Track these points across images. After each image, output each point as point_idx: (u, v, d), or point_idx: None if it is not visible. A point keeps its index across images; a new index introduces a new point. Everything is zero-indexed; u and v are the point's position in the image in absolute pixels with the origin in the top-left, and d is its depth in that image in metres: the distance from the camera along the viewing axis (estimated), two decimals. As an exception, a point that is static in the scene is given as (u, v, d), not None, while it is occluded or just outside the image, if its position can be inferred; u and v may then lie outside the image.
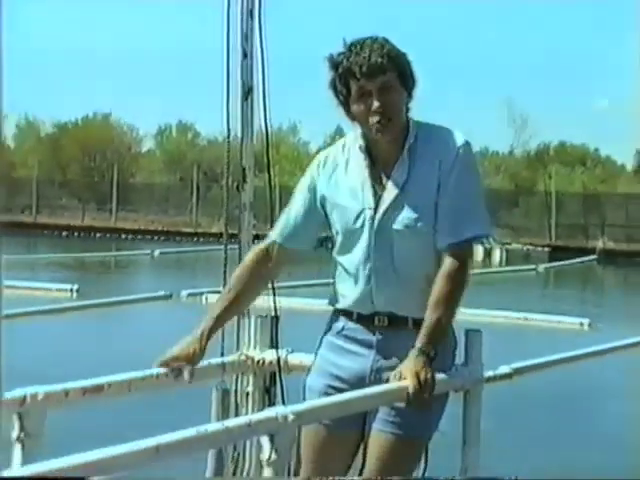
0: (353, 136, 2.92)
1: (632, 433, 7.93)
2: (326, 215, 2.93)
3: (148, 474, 2.15)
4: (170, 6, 62.02)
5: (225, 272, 3.10)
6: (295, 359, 3.14)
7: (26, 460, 2.34)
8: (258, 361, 3.14)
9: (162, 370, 2.76)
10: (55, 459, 1.89)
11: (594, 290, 25.26)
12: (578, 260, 29.04)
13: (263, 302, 3.16)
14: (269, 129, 3.25)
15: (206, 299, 11.93)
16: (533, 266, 26.54)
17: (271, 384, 3.15)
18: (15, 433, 2.40)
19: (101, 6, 67.66)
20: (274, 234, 2.97)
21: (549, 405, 8.98)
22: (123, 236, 34.94)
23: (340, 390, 2.83)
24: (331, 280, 2.98)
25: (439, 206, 2.80)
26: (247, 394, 3.14)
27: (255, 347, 3.16)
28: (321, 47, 2.86)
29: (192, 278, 18.35)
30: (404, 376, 2.70)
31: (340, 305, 2.94)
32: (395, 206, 2.83)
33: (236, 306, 2.95)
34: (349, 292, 2.90)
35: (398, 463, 2.84)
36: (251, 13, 3.15)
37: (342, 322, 2.93)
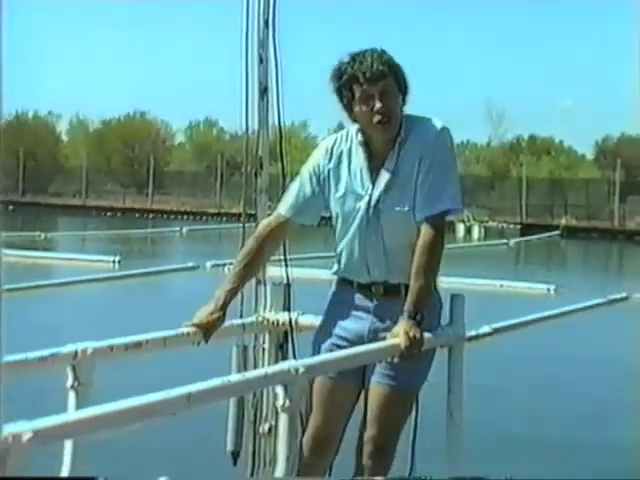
0: (355, 128, 2.90)
1: (582, 377, 8.13)
2: (328, 195, 2.92)
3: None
4: (199, 19, 61.86)
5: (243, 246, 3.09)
6: (305, 320, 3.14)
7: (79, 406, 2.34)
8: (273, 322, 3.14)
9: (191, 329, 2.75)
10: (103, 404, 1.89)
11: (558, 261, 25.21)
12: (544, 235, 28.99)
13: (277, 272, 3.15)
14: (282, 124, 3.23)
15: (228, 269, 11.88)
16: (505, 240, 26.47)
17: (284, 342, 3.14)
18: (69, 382, 2.40)
19: (146, 30, 67.28)
20: (283, 209, 2.93)
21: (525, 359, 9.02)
22: (158, 216, 34.92)
23: (343, 347, 2.83)
24: (334, 253, 2.97)
25: (417, 184, 2.79)
26: (263, 350, 3.14)
27: (270, 310, 3.15)
28: (327, 58, 2.87)
29: (216, 252, 18.32)
30: (397, 335, 2.70)
31: (342, 275, 2.94)
32: (386, 191, 2.83)
33: (250, 274, 2.92)
34: (349, 263, 2.90)
35: (394, 410, 2.85)
36: (266, 23, 3.13)
37: (344, 290, 2.93)
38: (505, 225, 32.26)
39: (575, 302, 12.02)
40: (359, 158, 2.87)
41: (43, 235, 21.50)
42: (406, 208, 2.81)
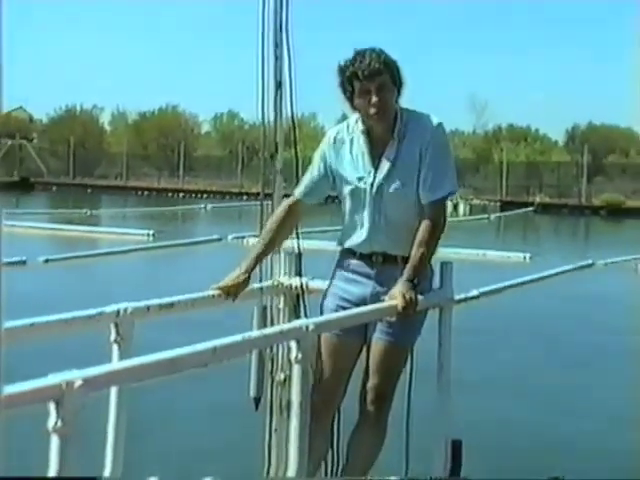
0: (354, 119, 2.90)
1: (560, 328, 8.21)
2: (334, 179, 2.92)
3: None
4: (222, 25, 61.50)
5: (262, 221, 3.08)
6: (314, 285, 3.13)
7: (121, 358, 2.34)
8: (287, 286, 3.13)
9: (217, 292, 2.76)
10: (141, 357, 1.89)
11: (533, 233, 25.12)
12: (521, 210, 28.87)
13: (290, 243, 3.15)
14: (295, 115, 3.21)
15: (247, 242, 11.94)
16: (487, 215, 26.37)
17: (297, 303, 3.14)
18: (112, 337, 2.40)
19: (172, 36, 66.91)
20: (298, 193, 2.97)
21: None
22: (187, 195, 34.91)
23: (347, 309, 2.84)
24: (339, 228, 2.98)
25: (421, 173, 2.80)
26: (279, 310, 3.13)
27: (285, 275, 3.15)
28: (334, 57, 2.85)
29: (237, 226, 18.32)
30: (394, 297, 2.70)
31: (346, 246, 2.94)
32: (388, 176, 2.83)
33: (270, 247, 2.95)
34: (353, 236, 2.90)
35: (392, 362, 2.86)
36: (281, 26, 3.10)
37: (348, 259, 2.93)
38: (487, 202, 32.10)
39: (548, 269, 12.03)
40: (360, 144, 2.87)
41: (89, 212, 21.62)
42: (405, 190, 2.81)
